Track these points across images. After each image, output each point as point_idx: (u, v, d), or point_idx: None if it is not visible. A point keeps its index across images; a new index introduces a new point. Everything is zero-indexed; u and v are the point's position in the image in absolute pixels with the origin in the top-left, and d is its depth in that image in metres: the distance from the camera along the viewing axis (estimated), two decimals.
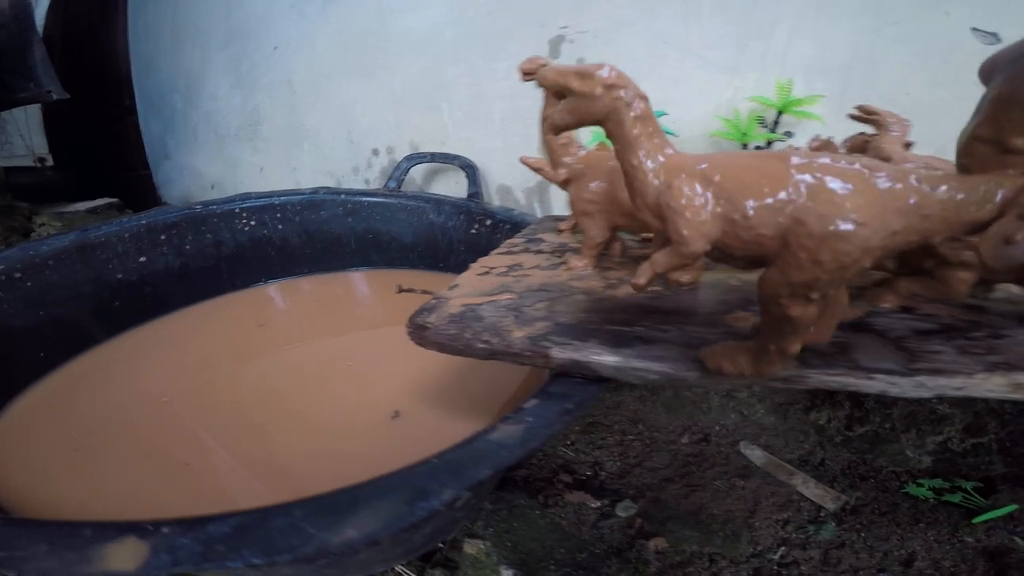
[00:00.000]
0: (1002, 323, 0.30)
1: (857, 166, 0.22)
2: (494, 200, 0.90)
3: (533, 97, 0.82)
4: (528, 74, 0.37)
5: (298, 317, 0.66)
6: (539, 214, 0.85)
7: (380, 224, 0.79)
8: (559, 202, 0.83)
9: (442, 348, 0.33)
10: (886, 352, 0.28)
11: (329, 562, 0.34)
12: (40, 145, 1.31)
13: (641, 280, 0.26)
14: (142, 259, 0.62)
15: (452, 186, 0.94)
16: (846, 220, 0.21)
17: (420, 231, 0.79)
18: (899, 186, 0.22)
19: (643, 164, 0.25)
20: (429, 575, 0.44)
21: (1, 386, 0.46)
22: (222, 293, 0.69)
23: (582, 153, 0.44)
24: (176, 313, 0.63)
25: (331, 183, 1.10)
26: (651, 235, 0.48)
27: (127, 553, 0.20)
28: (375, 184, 1.05)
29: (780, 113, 0.65)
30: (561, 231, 0.55)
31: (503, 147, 0.85)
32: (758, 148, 0.67)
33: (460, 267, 0.77)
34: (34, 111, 1.30)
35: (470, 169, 0.83)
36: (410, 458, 0.40)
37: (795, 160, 0.22)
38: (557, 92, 0.26)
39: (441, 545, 0.46)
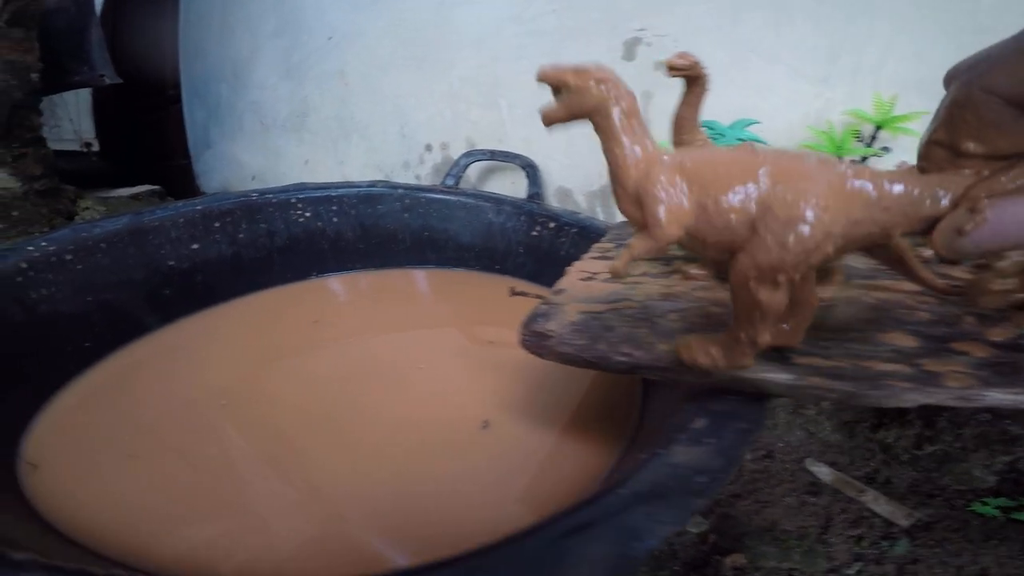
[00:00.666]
0: None
1: (817, 160, 0.24)
2: (552, 204, 0.85)
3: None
4: (678, 70, 0.36)
5: (354, 314, 0.62)
6: (603, 219, 0.80)
7: (437, 222, 0.75)
8: None
9: (568, 359, 0.31)
10: None
11: None
12: (88, 130, 1.31)
13: (620, 264, 0.27)
14: (195, 246, 0.58)
15: (508, 186, 0.90)
16: (809, 206, 0.23)
17: (478, 231, 0.75)
18: (859, 181, 0.24)
19: (625, 155, 0.26)
20: None
21: (49, 377, 0.43)
22: (272, 286, 0.65)
23: None
24: (227, 304, 0.59)
25: (380, 178, 1.07)
26: None
27: None
28: (426, 180, 1.01)
29: (878, 128, 0.61)
30: None
31: (565, 149, 0.81)
32: (853, 162, 0.63)
33: (517, 270, 0.74)
34: (84, 96, 1.29)
35: (531, 169, 0.79)
36: (518, 476, 0.37)
37: (763, 154, 0.24)
38: (554, 88, 0.27)
39: None
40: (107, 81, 1.12)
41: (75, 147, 1.30)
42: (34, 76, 0.91)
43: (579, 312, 0.35)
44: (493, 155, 0.82)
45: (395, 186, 0.76)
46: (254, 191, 0.65)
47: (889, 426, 0.62)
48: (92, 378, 0.45)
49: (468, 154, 0.83)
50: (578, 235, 0.66)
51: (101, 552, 0.29)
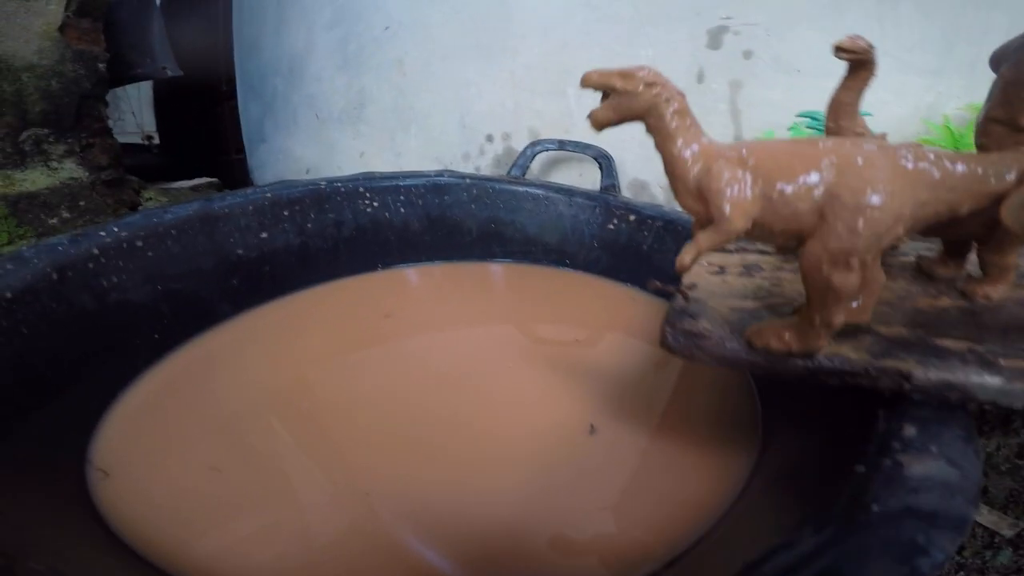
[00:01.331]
0: None
1: (878, 147, 0.25)
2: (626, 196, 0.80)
3: (684, 87, 0.72)
4: (848, 52, 0.34)
5: (427, 308, 0.58)
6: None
7: (504, 213, 0.71)
8: None
9: (728, 362, 0.28)
10: None
11: None
12: (149, 123, 1.32)
13: (687, 259, 0.27)
14: (264, 235, 0.56)
15: (574, 178, 0.85)
16: (876, 192, 0.24)
17: (547, 223, 0.71)
18: (922, 163, 0.24)
19: (682, 152, 0.27)
20: None
21: (118, 371, 0.40)
22: (337, 277, 0.62)
23: None
24: (294, 296, 0.57)
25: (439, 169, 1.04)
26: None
27: None
28: (486, 172, 0.98)
29: None
30: None
31: (642, 139, 0.75)
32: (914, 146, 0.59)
33: (590, 265, 0.69)
34: (146, 89, 1.30)
35: (605, 160, 0.74)
36: (636, 486, 0.33)
37: (824, 143, 0.25)
38: (602, 92, 0.28)
39: None
40: (169, 73, 1.12)
41: (137, 140, 1.31)
42: (101, 67, 0.92)
43: (730, 309, 0.31)
44: (562, 145, 0.77)
45: (462, 176, 0.72)
46: (322, 179, 0.62)
47: (990, 435, 0.58)
48: (161, 374, 0.43)
49: (535, 144, 0.79)
50: (663, 229, 0.62)
51: None
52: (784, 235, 0.26)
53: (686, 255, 0.27)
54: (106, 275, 0.42)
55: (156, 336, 0.45)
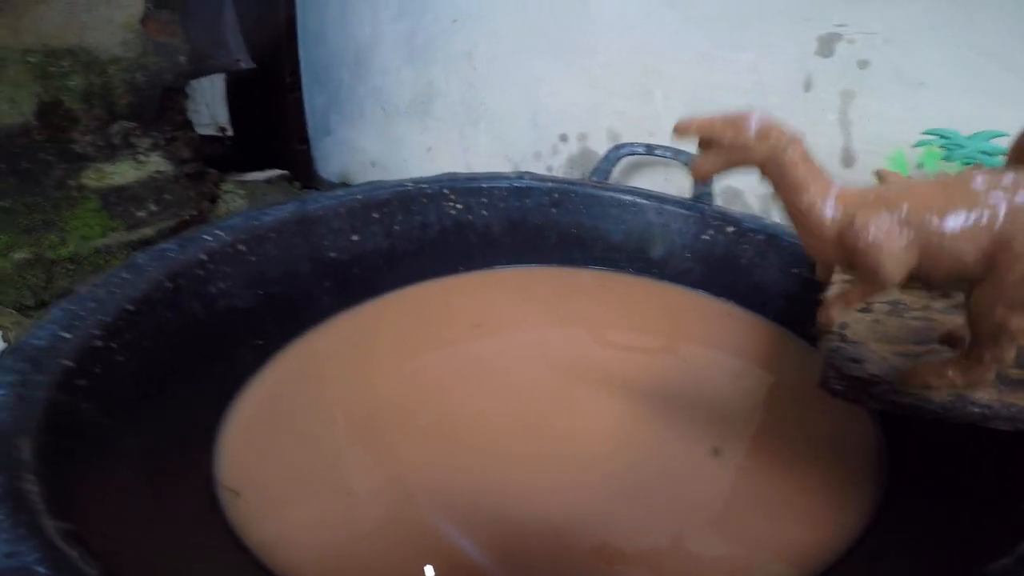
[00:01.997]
0: None
1: None
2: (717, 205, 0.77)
3: (789, 95, 0.69)
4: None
5: (516, 317, 0.57)
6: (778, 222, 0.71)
7: (587, 219, 0.69)
8: None
9: (898, 407, 0.28)
10: None
11: None
12: (222, 115, 1.34)
13: (835, 315, 0.27)
14: (355, 237, 0.55)
15: (659, 183, 0.82)
16: None
17: (633, 230, 0.68)
18: None
19: (815, 203, 0.25)
20: None
21: (229, 382, 0.40)
22: (422, 280, 0.61)
23: None
24: (382, 299, 0.56)
25: (508, 168, 1.02)
26: None
27: None
28: (559, 172, 0.95)
29: None
30: None
31: None
32: None
33: (680, 277, 0.66)
34: (218, 81, 1.32)
35: None
36: (768, 512, 0.33)
37: (980, 182, 0.23)
38: (704, 142, 0.26)
39: None
40: (243, 65, 1.13)
41: (211, 132, 1.34)
42: (182, 59, 0.93)
43: (894, 354, 0.30)
44: (651, 149, 0.74)
45: (543, 178, 0.70)
46: (408, 180, 0.61)
47: None
48: (265, 382, 0.43)
49: (620, 147, 0.76)
50: (766, 242, 0.58)
51: None
52: (945, 280, 0.24)
53: (834, 311, 0.28)
54: (214, 282, 0.42)
55: (259, 342, 0.44)
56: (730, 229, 0.61)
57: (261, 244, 0.47)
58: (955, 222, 0.23)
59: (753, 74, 0.70)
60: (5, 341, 0.61)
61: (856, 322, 0.33)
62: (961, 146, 0.52)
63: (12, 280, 0.72)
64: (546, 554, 0.29)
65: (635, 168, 0.85)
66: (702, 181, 0.24)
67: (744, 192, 0.72)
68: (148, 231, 0.78)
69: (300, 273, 0.50)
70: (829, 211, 0.25)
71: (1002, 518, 0.25)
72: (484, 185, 0.66)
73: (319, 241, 0.52)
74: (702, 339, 0.55)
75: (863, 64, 0.61)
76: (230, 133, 1.38)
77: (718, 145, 0.25)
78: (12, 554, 0.17)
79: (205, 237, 0.43)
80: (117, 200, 0.78)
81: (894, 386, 0.28)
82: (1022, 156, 0.32)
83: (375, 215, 0.57)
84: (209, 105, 1.34)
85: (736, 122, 0.25)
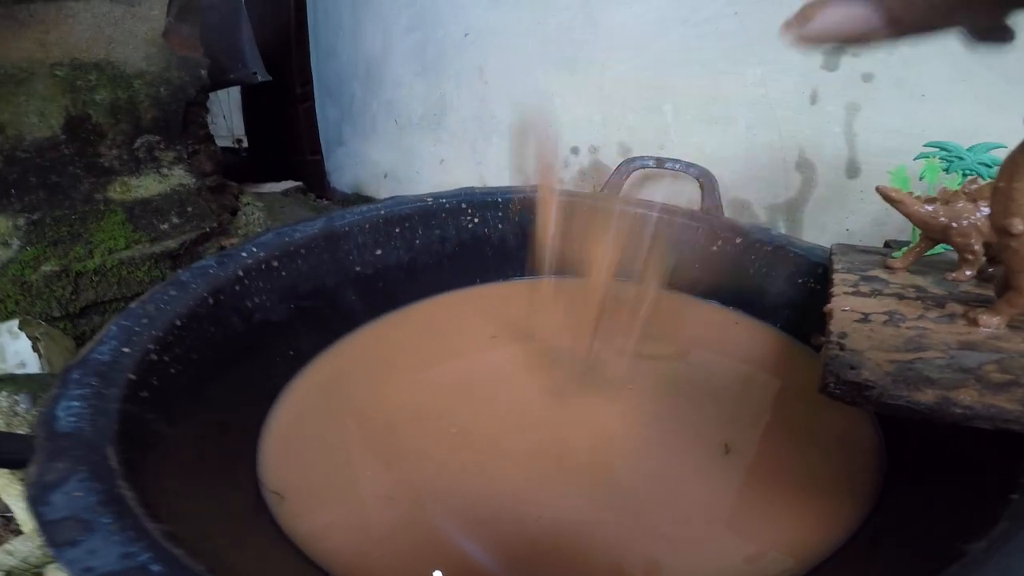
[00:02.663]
0: None
1: None
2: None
3: (796, 108, 0.71)
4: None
5: (530, 327, 0.59)
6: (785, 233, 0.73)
7: (600, 230, 0.71)
8: (812, 224, 0.71)
9: (891, 409, 0.30)
10: None
11: None
12: (238, 127, 1.37)
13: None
14: (378, 252, 0.57)
15: (668, 196, 0.84)
16: None
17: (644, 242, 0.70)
18: None
19: None
20: None
21: (265, 390, 0.42)
22: (441, 292, 0.63)
23: None
24: (403, 311, 0.58)
25: (520, 180, 1.04)
26: None
27: None
28: (570, 184, 0.98)
29: None
30: (894, 269, 0.46)
31: (745, 157, 0.74)
32: None
33: (690, 287, 0.68)
34: (235, 93, 1.35)
35: (707, 180, 0.73)
36: (770, 507, 0.35)
37: None
38: None
39: None
40: (259, 78, 1.16)
41: (228, 143, 1.37)
42: (203, 73, 0.95)
43: (888, 361, 0.32)
44: (660, 162, 0.76)
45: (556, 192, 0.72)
46: (428, 196, 0.63)
47: None
48: (298, 391, 0.45)
49: (631, 160, 0.78)
50: (774, 254, 0.60)
51: None
52: None
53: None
54: (250, 296, 0.44)
55: (291, 353, 0.46)
56: (738, 241, 0.63)
57: (292, 260, 0.49)
58: None
59: (761, 88, 0.72)
60: (35, 351, 0.64)
61: (854, 332, 0.36)
62: (961, 158, 0.53)
63: (40, 292, 0.74)
64: (565, 550, 0.31)
65: (645, 180, 0.87)
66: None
67: (751, 203, 0.74)
68: (171, 243, 0.80)
69: (328, 287, 0.52)
70: None
71: (984, 507, 0.27)
72: (500, 198, 0.68)
73: (345, 256, 0.54)
74: (712, 346, 0.57)
75: (867, 77, 0.63)
76: (246, 144, 1.41)
77: None
78: (128, 555, 0.19)
79: (241, 254, 0.45)
80: (141, 213, 0.80)
81: (886, 390, 0.30)
82: (1012, 173, 0.34)
83: (397, 230, 0.59)
84: (226, 117, 1.36)
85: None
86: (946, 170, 0.54)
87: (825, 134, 0.67)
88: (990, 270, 0.45)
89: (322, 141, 1.54)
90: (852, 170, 0.67)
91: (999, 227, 0.32)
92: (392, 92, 1.30)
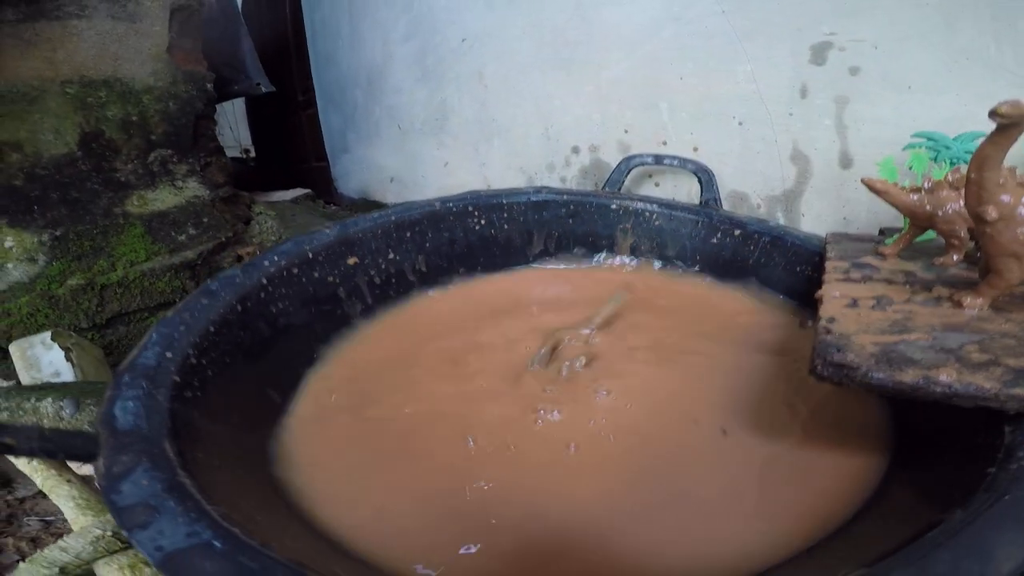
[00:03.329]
0: None
1: None
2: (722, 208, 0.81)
3: (787, 102, 0.73)
4: (1006, 117, 0.34)
5: (537, 323, 0.61)
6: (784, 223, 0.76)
7: (602, 228, 0.73)
8: (810, 214, 0.73)
9: (878, 389, 0.32)
10: None
11: None
12: (246, 138, 1.40)
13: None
14: (391, 256, 0.60)
15: (668, 191, 0.86)
16: None
17: (646, 237, 0.72)
18: None
19: None
20: None
21: (288, 392, 0.45)
22: (449, 286, 0.66)
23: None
24: (414, 310, 0.61)
25: (523, 180, 1.07)
26: None
27: None
28: (572, 183, 1.00)
29: None
30: (885, 255, 0.48)
31: (740, 151, 0.76)
32: None
33: (692, 278, 0.70)
34: (240, 104, 1.38)
35: (705, 174, 0.75)
36: (768, 486, 0.37)
37: None
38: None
39: None
40: (263, 89, 1.18)
41: (237, 154, 1.39)
42: (209, 86, 0.98)
43: (872, 343, 0.34)
44: (658, 159, 0.79)
45: (559, 191, 0.74)
46: (436, 200, 0.66)
47: None
48: (317, 393, 0.47)
49: (631, 158, 0.81)
50: (771, 244, 0.62)
51: None
52: None
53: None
54: (274, 303, 0.47)
55: (314, 356, 0.49)
56: (737, 233, 0.65)
57: (311, 267, 0.52)
58: None
59: (752, 84, 0.75)
60: (68, 361, 0.67)
61: (843, 316, 0.38)
62: (948, 147, 0.56)
63: (68, 305, 0.77)
64: (577, 531, 0.33)
65: (645, 176, 0.89)
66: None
67: (749, 195, 0.76)
68: (189, 254, 0.83)
69: (345, 291, 0.55)
70: None
71: (965, 480, 0.29)
72: (505, 201, 0.71)
73: (360, 261, 0.57)
74: (717, 332, 0.59)
75: (854, 71, 0.65)
76: (254, 154, 1.44)
77: None
78: (192, 534, 0.21)
79: (264, 263, 0.48)
80: (159, 225, 0.83)
81: (870, 370, 0.32)
82: (981, 164, 0.36)
83: (408, 234, 0.61)
84: (233, 128, 1.39)
85: None
86: (934, 159, 0.56)
87: (816, 127, 0.69)
88: (978, 254, 0.47)
89: (327, 148, 1.57)
90: (845, 161, 0.69)
91: (974, 215, 0.34)
92: (394, 98, 1.33)
